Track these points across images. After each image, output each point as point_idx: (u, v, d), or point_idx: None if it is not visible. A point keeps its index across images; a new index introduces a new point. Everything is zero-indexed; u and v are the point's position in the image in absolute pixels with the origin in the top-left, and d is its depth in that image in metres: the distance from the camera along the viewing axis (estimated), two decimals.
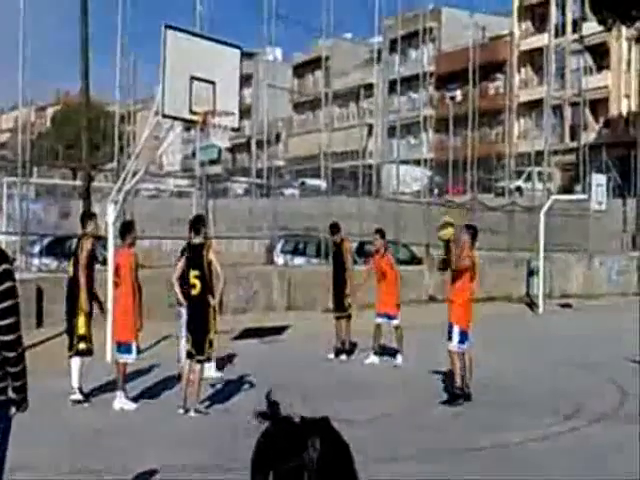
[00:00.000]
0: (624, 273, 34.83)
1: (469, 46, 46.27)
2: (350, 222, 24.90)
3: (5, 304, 4.91)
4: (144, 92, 45.72)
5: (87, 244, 11.20)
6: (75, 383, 10.95)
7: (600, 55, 59.09)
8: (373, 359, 15.18)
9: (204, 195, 25.03)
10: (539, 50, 58.37)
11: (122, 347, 11.14)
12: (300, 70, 76.01)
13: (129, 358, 11.08)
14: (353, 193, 34.73)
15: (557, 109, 57.71)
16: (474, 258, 12.27)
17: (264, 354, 15.81)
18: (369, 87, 55.49)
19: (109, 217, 14.55)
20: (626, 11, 43.33)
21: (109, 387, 11.59)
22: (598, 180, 29.94)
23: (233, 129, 14.94)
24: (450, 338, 11.85)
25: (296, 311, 22.01)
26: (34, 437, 8.48)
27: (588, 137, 53.84)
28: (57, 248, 22.36)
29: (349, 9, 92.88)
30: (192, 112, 13.18)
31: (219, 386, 12.34)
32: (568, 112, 59.75)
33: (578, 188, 44.92)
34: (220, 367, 13.47)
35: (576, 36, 59.83)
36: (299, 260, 28.52)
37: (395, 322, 15.11)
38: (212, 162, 45.87)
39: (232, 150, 73.59)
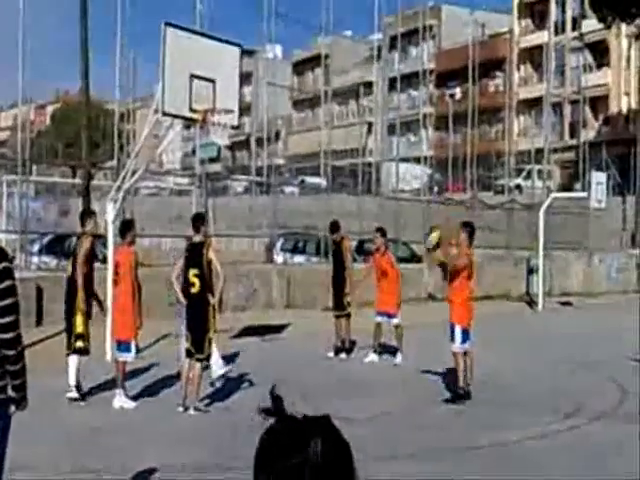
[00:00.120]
0: (624, 271, 34.86)
1: (469, 43, 46.29)
2: (350, 220, 24.90)
3: (5, 302, 4.91)
4: (144, 90, 45.72)
5: (85, 243, 11.18)
6: (72, 381, 10.94)
7: (600, 52, 59.07)
8: (373, 357, 15.18)
9: (204, 193, 25.02)
10: (539, 47, 58.33)
11: (122, 346, 11.13)
12: (300, 68, 75.97)
13: (128, 357, 11.07)
14: (353, 191, 34.73)
15: (557, 107, 57.69)
16: (471, 256, 12.26)
17: (264, 352, 15.81)
18: (369, 85, 55.54)
19: (109, 215, 14.54)
20: (626, 8, 43.31)
21: (109, 385, 11.59)
22: (598, 178, 29.93)
23: (233, 127, 14.92)
24: (452, 339, 11.84)
25: (296, 309, 22.01)
26: (33, 436, 8.48)
27: (588, 135, 53.80)
28: (57, 246, 22.35)
29: (349, 7, 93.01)
30: (192, 110, 13.18)
31: (219, 384, 12.34)
32: (568, 110, 59.74)
33: (578, 186, 44.93)
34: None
35: (576, 33, 59.80)
36: (299, 258, 28.52)
37: (395, 321, 15.11)
38: (212, 160, 45.92)
39: (232, 148, 73.53)
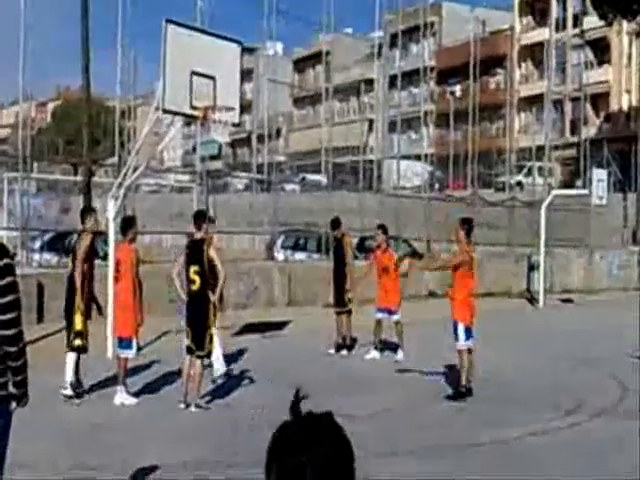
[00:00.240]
0: (625, 268, 34.86)
1: (470, 41, 46.22)
2: (351, 217, 24.90)
3: (6, 299, 4.91)
4: (145, 87, 45.78)
5: (85, 241, 11.14)
6: (68, 378, 10.94)
7: (601, 50, 59.03)
8: (374, 354, 15.19)
9: (205, 190, 25.03)
10: (540, 45, 58.30)
11: (123, 342, 11.14)
12: (301, 65, 75.96)
13: (129, 353, 11.08)
14: (354, 188, 34.75)
15: (558, 104, 57.66)
16: (471, 252, 12.25)
17: (265, 349, 15.82)
18: (370, 82, 55.50)
19: (110, 213, 14.54)
20: (627, 5, 43.29)
21: (110, 382, 11.60)
22: (599, 175, 29.94)
23: (234, 124, 14.92)
24: (456, 336, 11.82)
25: (297, 306, 22.02)
26: (33, 433, 8.49)
27: (589, 132, 53.81)
28: (58, 243, 22.37)
29: (350, 4, 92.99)
30: (193, 107, 13.17)
31: (220, 381, 12.35)
32: (569, 107, 59.71)
33: (579, 183, 44.90)
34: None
35: (577, 31, 59.77)
36: (300, 255, 28.53)
37: (395, 317, 15.12)
38: (213, 157, 45.90)
39: (232, 145, 73.58)
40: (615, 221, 39.42)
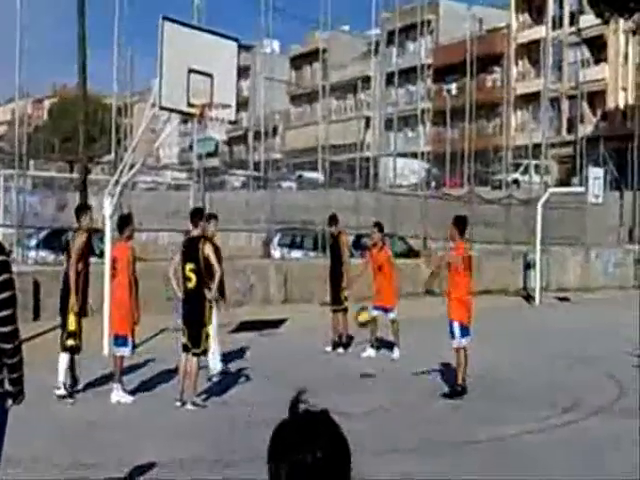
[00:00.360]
0: (621, 266, 34.89)
1: (466, 38, 46.27)
2: (347, 215, 24.90)
3: (2, 296, 4.91)
4: (141, 84, 45.71)
5: (79, 239, 11.08)
6: (61, 378, 10.91)
7: (597, 48, 59.06)
8: (370, 352, 15.19)
9: (201, 188, 25.03)
10: (536, 42, 58.33)
11: (119, 340, 11.12)
12: (297, 62, 75.97)
13: (125, 351, 11.06)
14: (350, 186, 34.74)
15: (554, 102, 57.69)
16: (468, 250, 12.21)
17: (261, 347, 15.81)
18: (367, 80, 55.58)
19: (106, 210, 14.53)
20: (623, 4, 43.31)
21: (106, 380, 11.58)
22: (595, 173, 29.95)
23: (230, 122, 14.91)
24: (452, 335, 11.83)
25: (293, 304, 22.02)
26: (29, 430, 8.48)
27: (585, 130, 53.85)
28: (54, 241, 22.31)
29: (347, 1, 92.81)
30: (189, 104, 13.16)
31: (216, 379, 12.34)
32: (565, 105, 59.76)
33: (575, 181, 44.94)
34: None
35: (573, 29, 59.79)
36: (296, 253, 28.51)
37: (392, 315, 15.11)
38: (209, 155, 45.93)
39: (229, 143, 73.60)
40: (611, 219, 39.45)
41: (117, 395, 10.85)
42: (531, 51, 62.10)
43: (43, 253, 22.46)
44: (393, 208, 30.31)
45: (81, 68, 20.64)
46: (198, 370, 10.82)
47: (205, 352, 11.06)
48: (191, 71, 13.07)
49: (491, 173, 52.32)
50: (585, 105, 56.57)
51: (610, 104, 58.74)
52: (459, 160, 47.92)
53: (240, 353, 14.71)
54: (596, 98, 58.57)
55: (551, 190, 31.17)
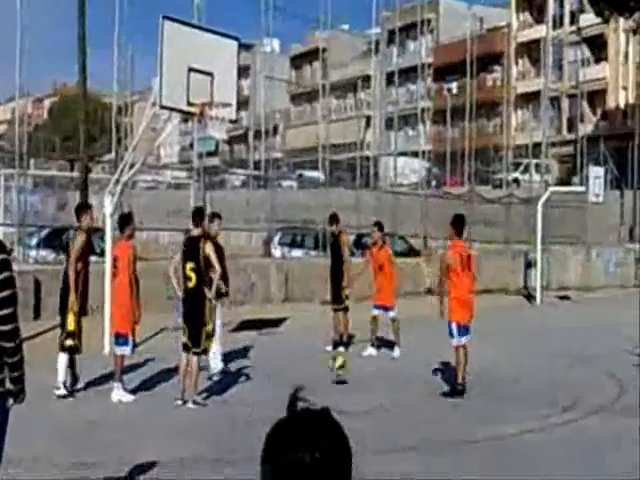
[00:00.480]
0: (622, 265, 34.87)
1: (467, 38, 46.26)
2: (348, 214, 24.88)
3: (3, 294, 4.90)
4: (142, 84, 45.75)
5: (79, 239, 11.06)
6: (60, 378, 10.91)
7: (598, 47, 59.06)
8: (370, 351, 15.20)
9: (201, 187, 25.02)
10: (537, 42, 58.32)
11: (119, 339, 11.13)
12: (298, 61, 75.94)
13: (126, 350, 11.06)
14: (351, 185, 34.74)
15: (555, 101, 57.69)
16: (467, 249, 12.15)
17: (262, 346, 15.81)
18: (367, 79, 55.57)
19: (107, 209, 14.53)
20: (623, 3, 43.29)
21: (106, 379, 11.59)
22: (595, 172, 29.94)
23: (231, 121, 14.92)
24: (450, 334, 11.86)
25: (294, 303, 22.01)
26: (30, 430, 8.47)
27: (585, 129, 53.83)
28: (55, 240, 22.32)
29: (347, 0, 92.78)
30: (190, 103, 13.17)
31: (216, 378, 12.35)
32: (565, 104, 59.75)
33: (575, 180, 44.93)
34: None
35: (574, 28, 59.78)
36: (297, 252, 28.50)
37: (392, 314, 15.12)
38: (210, 154, 45.85)
39: (229, 142, 73.53)
40: (612, 218, 39.43)
41: (118, 394, 10.85)
42: (531, 50, 62.09)
43: (44, 252, 22.45)
44: (393, 207, 30.30)
45: (81, 67, 20.66)
46: (199, 369, 10.83)
47: (205, 351, 11.07)
48: (191, 70, 13.08)
49: (491, 172, 52.32)
50: (585, 104, 56.56)
51: (610, 103, 58.73)
52: (459, 159, 47.93)
53: (241, 352, 14.71)
54: (596, 97, 58.57)
55: (551, 189, 31.17)
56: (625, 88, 57.82)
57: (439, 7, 66.76)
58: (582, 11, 57.22)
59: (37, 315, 16.76)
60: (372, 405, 10.94)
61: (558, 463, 8.53)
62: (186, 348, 10.74)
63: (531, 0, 65.28)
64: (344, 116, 62.89)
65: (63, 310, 11.11)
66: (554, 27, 59.53)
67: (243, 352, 14.78)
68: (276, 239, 28.58)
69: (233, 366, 13.39)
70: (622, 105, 57.73)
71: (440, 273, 12.43)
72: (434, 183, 45.68)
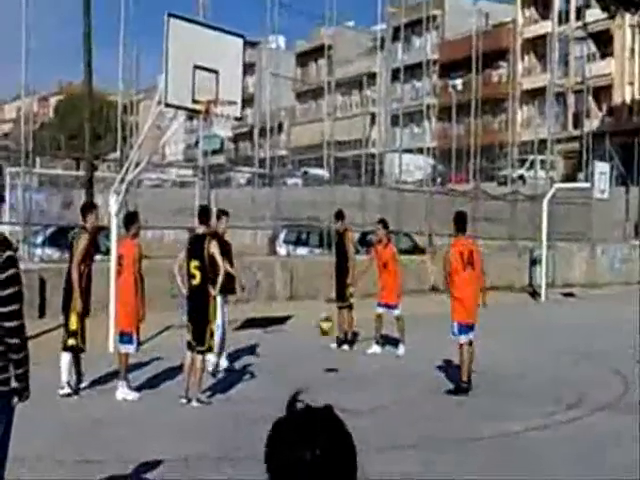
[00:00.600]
0: (627, 262, 34.80)
1: (472, 34, 46.12)
2: (353, 211, 24.88)
3: (9, 291, 4.92)
4: (147, 82, 45.69)
5: (82, 241, 11.05)
6: (64, 378, 10.94)
7: (604, 42, 58.92)
8: (375, 349, 15.21)
9: (207, 185, 25.02)
10: (542, 37, 58.16)
11: (124, 337, 11.15)
12: (303, 58, 75.91)
13: (131, 348, 11.08)
14: (356, 182, 34.71)
15: (560, 97, 57.54)
16: (460, 246, 12.11)
17: (267, 344, 15.83)
18: (372, 75, 55.48)
19: (112, 207, 14.56)
20: None
21: (111, 377, 11.61)
22: (601, 168, 29.89)
23: (236, 118, 14.90)
24: (453, 333, 11.88)
25: (299, 301, 22.02)
26: (35, 428, 8.50)
27: (591, 125, 53.72)
28: (60, 238, 22.28)
29: None
30: (195, 101, 13.16)
31: (221, 376, 12.37)
32: (571, 100, 59.63)
33: (581, 176, 44.79)
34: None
35: (579, 23, 59.64)
36: (302, 250, 28.51)
37: (396, 312, 15.12)
38: (215, 152, 45.89)
39: (235, 139, 73.55)
40: (617, 215, 39.35)
41: (122, 392, 10.87)
42: (537, 46, 61.95)
43: (49, 251, 22.48)
44: (398, 204, 30.28)
45: (87, 66, 20.70)
46: (203, 367, 10.85)
47: (210, 349, 11.09)
48: (197, 68, 13.07)
49: (497, 169, 52.23)
50: (591, 100, 56.44)
51: (616, 99, 58.60)
52: (465, 156, 47.81)
53: (245, 350, 14.73)
54: (602, 93, 58.44)
55: (557, 186, 31.12)
56: (631, 84, 57.69)
57: (444, 3, 66.68)
58: (588, 6, 57.09)
59: (42, 314, 16.80)
60: (376, 403, 10.95)
61: (563, 461, 8.53)
62: (190, 346, 10.76)
63: None
64: (349, 113, 62.92)
65: (66, 309, 11.13)
66: (560, 23, 59.38)
67: (247, 350, 14.79)
68: (281, 237, 28.60)
69: (237, 364, 13.42)
70: (628, 101, 57.60)
71: (444, 272, 12.44)
72: (439, 180, 45.61)
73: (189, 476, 7.73)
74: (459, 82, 58.55)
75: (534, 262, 28.88)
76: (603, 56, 59.18)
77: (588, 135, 48.45)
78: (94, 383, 11.60)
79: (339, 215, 16.41)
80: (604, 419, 10.37)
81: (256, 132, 43.56)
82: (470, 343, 11.85)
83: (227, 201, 26.34)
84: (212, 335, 10.91)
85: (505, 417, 10.28)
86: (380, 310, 15.14)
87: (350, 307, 15.79)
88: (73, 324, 11.00)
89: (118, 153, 28.20)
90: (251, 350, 14.85)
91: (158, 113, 14.05)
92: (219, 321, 12.09)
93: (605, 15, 48.81)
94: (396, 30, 48.32)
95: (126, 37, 27.40)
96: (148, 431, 9.40)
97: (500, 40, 62.03)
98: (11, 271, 4.93)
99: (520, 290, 28.47)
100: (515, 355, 15.04)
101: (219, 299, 11.71)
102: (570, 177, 48.95)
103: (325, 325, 13.66)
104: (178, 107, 13.56)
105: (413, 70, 51.60)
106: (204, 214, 11.36)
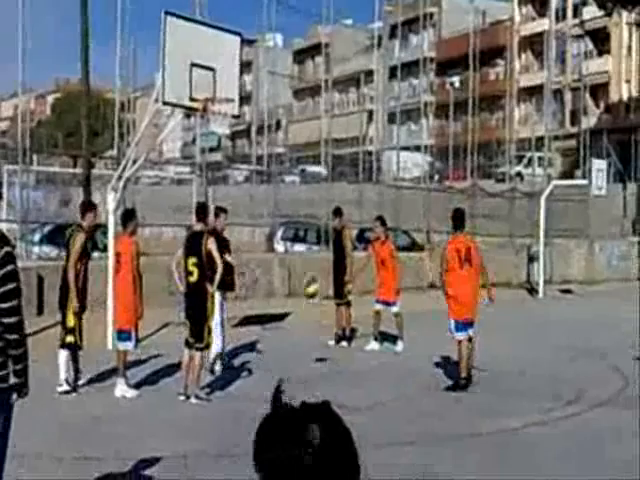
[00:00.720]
0: (624, 258, 34.84)
1: (469, 31, 46.12)
2: (350, 209, 24.86)
3: (7, 287, 4.92)
4: (144, 80, 45.71)
5: (79, 240, 11.04)
6: (62, 375, 10.93)
7: (601, 40, 58.96)
8: (373, 345, 15.21)
9: (204, 182, 25.02)
10: (539, 35, 58.24)
11: (122, 335, 11.14)
12: (300, 56, 75.86)
13: (129, 345, 11.08)
14: (353, 179, 34.74)
15: (557, 94, 57.59)
16: (456, 244, 12.11)
17: (265, 341, 15.82)
18: (369, 73, 55.39)
19: (109, 205, 14.55)
20: None
21: (110, 375, 11.61)
22: (598, 165, 29.91)
23: (233, 116, 14.92)
24: (450, 330, 11.89)
25: (296, 298, 22.01)
26: (33, 425, 8.50)
27: (589, 122, 53.76)
28: (57, 236, 22.25)
29: None
30: (192, 99, 13.16)
31: (219, 373, 12.37)
32: (569, 97, 59.65)
33: (578, 173, 44.88)
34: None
35: (576, 21, 59.69)
36: (299, 247, 28.51)
37: (394, 309, 15.13)
38: (212, 149, 45.93)
39: (232, 137, 73.58)
40: (615, 211, 39.40)
41: (121, 389, 10.87)
42: (534, 43, 62.00)
43: (47, 248, 22.47)
44: (396, 201, 30.29)
45: (84, 63, 20.68)
46: (201, 364, 10.85)
47: (208, 346, 11.08)
48: (194, 65, 13.06)
49: (494, 166, 52.29)
50: (588, 97, 56.47)
51: (613, 96, 58.64)
52: (462, 153, 47.84)
53: (243, 347, 14.72)
54: (599, 90, 58.49)
55: (554, 183, 31.14)
56: (628, 81, 57.73)
57: (441, 1, 66.67)
58: (585, 4, 57.14)
59: (40, 311, 16.78)
60: (374, 400, 10.95)
61: (562, 457, 8.54)
62: (188, 343, 10.76)
63: None
64: (347, 111, 62.88)
65: (63, 307, 11.13)
66: (557, 20, 59.40)
67: (246, 347, 14.79)
68: (279, 234, 28.59)
69: (236, 361, 13.41)
70: (625, 98, 57.64)
71: (440, 269, 12.44)
72: (437, 177, 45.66)
73: (187, 473, 7.73)
74: (456, 80, 58.52)
75: (532, 259, 28.90)
76: (600, 53, 59.22)
77: (585, 132, 48.55)
78: (93, 380, 11.60)
79: (337, 212, 16.42)
80: (602, 415, 10.38)
81: (253, 130, 43.60)
82: (470, 339, 11.85)
83: (225, 198, 26.28)
84: (210, 332, 10.91)
85: (504, 413, 10.28)
86: (378, 307, 15.15)
87: (348, 304, 15.79)
88: (70, 321, 11.00)
89: (115, 150, 28.22)
90: (250, 347, 14.85)
91: (155, 111, 14.03)
92: (218, 318, 12.07)
93: (602, 12, 48.83)
94: (393, 28, 48.43)
95: (123, 35, 27.42)
96: (147, 428, 9.40)
97: (497, 38, 62.04)
98: (9, 267, 4.93)
99: (518, 287, 28.48)
100: (513, 352, 15.04)
101: (217, 296, 11.70)
102: (568, 174, 49.05)
103: (311, 289, 13.48)
104: (175, 105, 13.55)
105: (410, 68, 51.59)
106: (201, 211, 11.37)
